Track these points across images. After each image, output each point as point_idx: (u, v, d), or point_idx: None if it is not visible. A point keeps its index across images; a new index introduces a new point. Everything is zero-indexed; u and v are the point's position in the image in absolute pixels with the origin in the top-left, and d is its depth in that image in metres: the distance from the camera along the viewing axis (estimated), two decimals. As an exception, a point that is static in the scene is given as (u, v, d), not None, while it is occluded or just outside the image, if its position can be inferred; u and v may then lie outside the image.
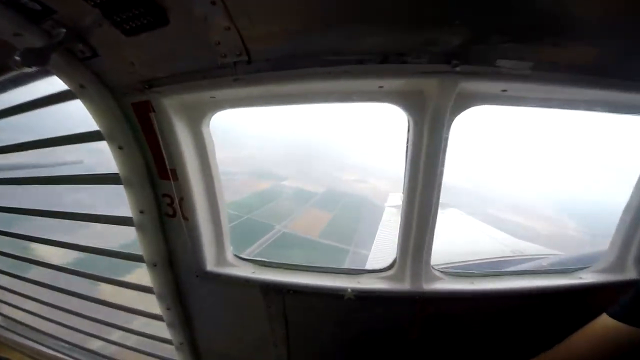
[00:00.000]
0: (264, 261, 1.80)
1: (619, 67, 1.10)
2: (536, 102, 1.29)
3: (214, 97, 1.37)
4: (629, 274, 1.64)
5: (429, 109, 1.24)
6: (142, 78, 1.30)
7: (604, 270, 1.70)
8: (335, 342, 1.84)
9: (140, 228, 1.64)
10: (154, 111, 1.36)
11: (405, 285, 1.56)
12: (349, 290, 1.56)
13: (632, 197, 1.56)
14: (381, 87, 1.23)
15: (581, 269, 1.74)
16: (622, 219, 1.62)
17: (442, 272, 1.59)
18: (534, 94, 1.24)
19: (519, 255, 5.05)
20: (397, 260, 1.57)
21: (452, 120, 1.27)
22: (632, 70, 1.11)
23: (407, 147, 1.38)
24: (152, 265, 1.76)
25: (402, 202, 1.48)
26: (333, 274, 1.67)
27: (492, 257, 4.87)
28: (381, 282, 1.61)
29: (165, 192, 1.56)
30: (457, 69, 1.08)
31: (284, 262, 1.78)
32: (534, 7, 0.92)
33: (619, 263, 1.66)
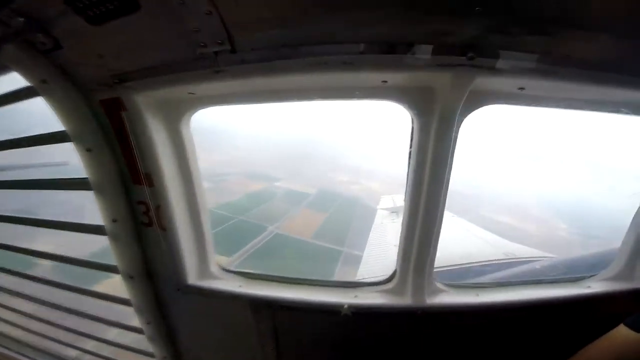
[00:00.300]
0: (252, 273, 1.66)
1: None
2: (557, 102, 1.17)
3: (193, 93, 1.23)
4: (639, 283, 1.55)
5: (438, 108, 1.11)
6: (111, 72, 1.15)
7: (612, 279, 1.61)
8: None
9: (113, 238, 1.48)
10: (125, 109, 1.22)
11: (406, 300, 1.44)
12: (346, 306, 1.43)
13: None
14: (385, 81, 1.10)
15: (588, 277, 1.65)
16: (631, 226, 1.54)
17: (445, 284, 1.48)
18: (555, 92, 1.13)
19: (511, 258, 5.00)
20: (398, 273, 1.45)
21: (462, 121, 1.15)
22: None
23: (410, 150, 1.25)
24: (129, 277, 1.61)
25: (404, 210, 1.35)
26: (328, 288, 1.54)
27: (484, 260, 4.81)
28: (380, 297, 1.48)
29: (140, 199, 1.41)
30: (473, 62, 0.95)
31: (273, 274, 1.64)
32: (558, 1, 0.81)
33: (628, 271, 1.57)
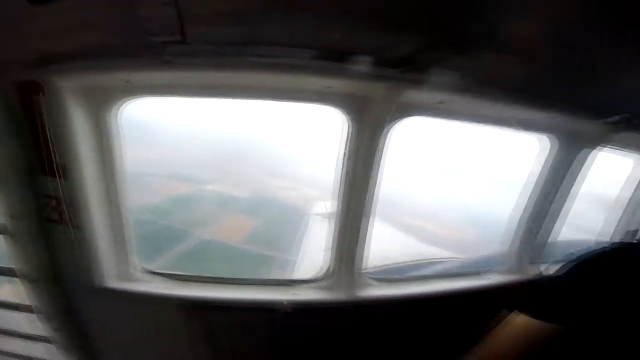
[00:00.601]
0: (181, 275, 1.56)
1: (546, 89, 1.25)
2: (470, 118, 1.39)
3: (130, 82, 1.13)
4: (528, 273, 1.89)
5: (371, 116, 1.23)
6: (36, 53, 1.01)
7: (507, 272, 1.92)
8: None
9: (11, 236, 1.26)
10: (43, 93, 1.07)
11: (341, 295, 1.52)
12: (284, 302, 1.43)
13: (525, 209, 1.80)
14: (329, 87, 1.17)
15: (489, 270, 1.94)
16: (518, 227, 1.86)
17: (375, 279, 1.60)
18: (468, 109, 1.33)
19: (426, 259, 5.50)
20: (332, 269, 1.52)
21: (390, 129, 1.28)
22: (555, 93, 1.27)
23: (344, 153, 1.35)
24: (31, 281, 1.39)
25: (337, 210, 1.44)
26: (264, 286, 1.54)
27: (403, 261, 5.22)
28: (317, 293, 1.53)
29: (50, 192, 1.24)
30: (405, 75, 1.07)
31: (205, 274, 1.57)
32: (481, 25, 0.96)
33: (517, 264, 1.90)
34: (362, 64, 1.04)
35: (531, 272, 1.90)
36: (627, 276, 1.02)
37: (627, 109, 1.44)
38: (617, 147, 1.86)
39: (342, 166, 1.38)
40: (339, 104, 1.25)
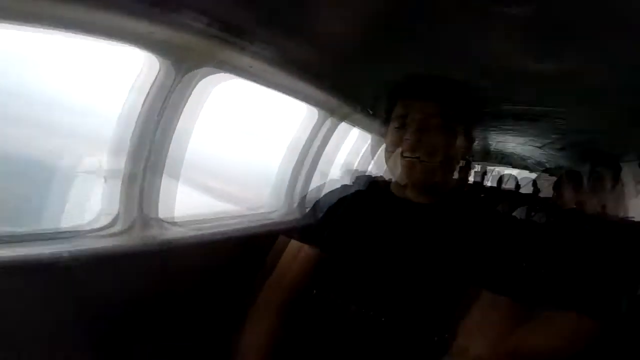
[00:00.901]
0: None
1: (326, 72, 1.68)
2: (274, 87, 1.74)
3: None
4: (297, 213, 2.56)
5: (187, 68, 1.28)
6: None
7: (288, 214, 2.52)
8: (62, 330, 1.18)
9: None
10: None
11: (135, 239, 1.39)
12: (66, 254, 1.12)
13: (293, 167, 2.44)
14: (152, 33, 1.11)
15: (271, 213, 2.49)
16: (288, 182, 2.49)
17: (169, 222, 1.57)
18: (272, 78, 1.64)
19: (225, 215, 5.96)
20: (122, 214, 1.37)
21: (198, 82, 1.38)
22: (333, 77, 1.76)
23: (147, 95, 1.29)
24: None
25: (128, 154, 1.34)
26: (33, 242, 1.14)
27: (201, 216, 5.51)
28: (106, 241, 1.31)
29: None
30: (230, 38, 1.20)
31: None
32: (296, 14, 1.12)
33: (288, 208, 2.54)
34: (194, 20, 1.08)
35: (299, 212, 2.57)
36: (359, 210, 1.33)
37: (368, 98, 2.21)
38: (355, 125, 2.87)
39: (139, 115, 1.32)
40: (158, 51, 1.23)
